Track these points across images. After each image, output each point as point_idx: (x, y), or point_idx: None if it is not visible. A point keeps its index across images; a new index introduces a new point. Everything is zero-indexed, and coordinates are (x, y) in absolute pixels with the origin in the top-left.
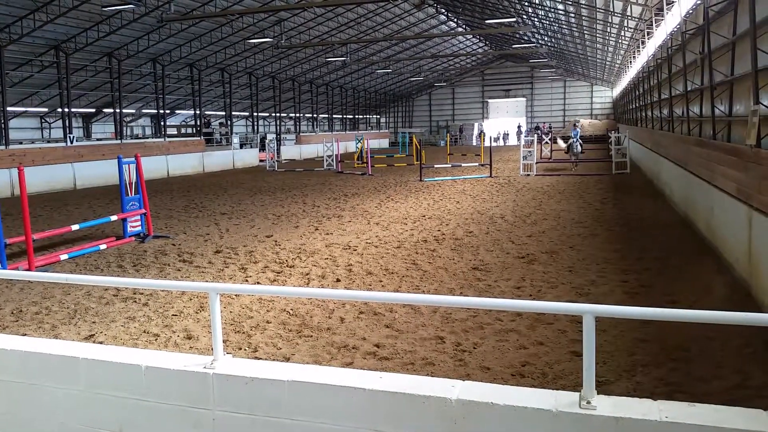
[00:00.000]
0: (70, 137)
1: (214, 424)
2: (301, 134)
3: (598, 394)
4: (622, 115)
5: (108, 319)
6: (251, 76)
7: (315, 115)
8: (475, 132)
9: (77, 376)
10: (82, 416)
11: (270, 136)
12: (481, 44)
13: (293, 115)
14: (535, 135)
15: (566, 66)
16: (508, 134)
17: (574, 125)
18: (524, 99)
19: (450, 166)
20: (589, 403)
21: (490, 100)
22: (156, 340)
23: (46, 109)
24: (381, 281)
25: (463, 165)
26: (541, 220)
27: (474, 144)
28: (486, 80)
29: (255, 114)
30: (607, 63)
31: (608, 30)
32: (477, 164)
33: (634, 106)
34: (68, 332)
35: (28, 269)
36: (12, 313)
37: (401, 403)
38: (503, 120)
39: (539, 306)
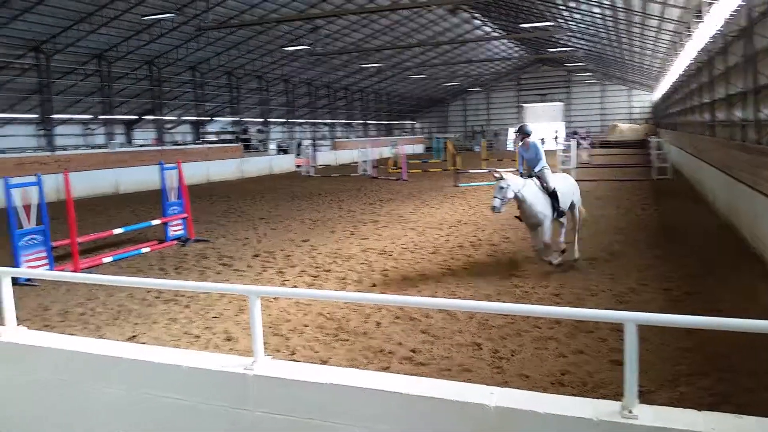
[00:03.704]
0: (112, 143)
1: (253, 424)
2: (336, 140)
3: (639, 403)
4: (662, 120)
5: (150, 321)
6: (287, 83)
7: (350, 121)
8: (511, 137)
9: (120, 375)
10: (125, 415)
11: (306, 142)
12: (516, 48)
13: (329, 121)
14: (573, 140)
15: (604, 70)
16: (544, 139)
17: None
18: (561, 103)
19: (486, 171)
20: (630, 412)
21: (525, 105)
22: (197, 341)
23: (89, 116)
24: (417, 286)
25: (498, 170)
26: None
27: (510, 149)
28: (521, 84)
29: (291, 120)
30: (646, 66)
31: (646, 33)
32: (514, 170)
33: (674, 110)
34: (112, 333)
35: (74, 271)
36: (58, 313)
37: (438, 408)
38: (539, 125)
39: (579, 313)
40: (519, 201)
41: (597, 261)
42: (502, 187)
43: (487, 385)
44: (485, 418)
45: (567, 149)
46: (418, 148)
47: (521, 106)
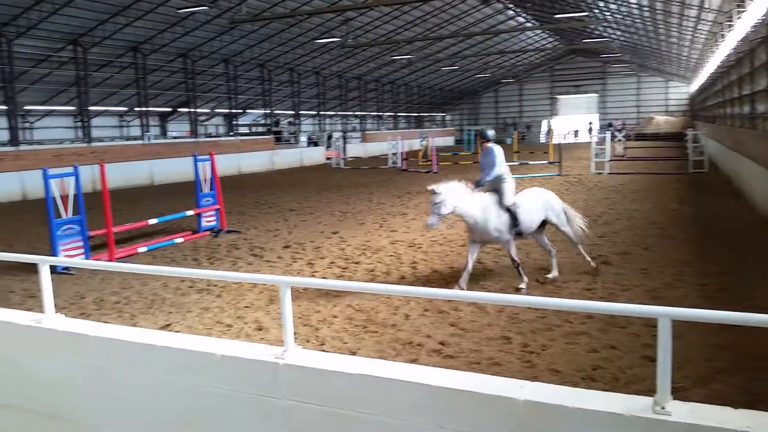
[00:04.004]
0: (147, 135)
1: (283, 412)
2: (366, 132)
3: (672, 400)
4: (700, 112)
5: (183, 310)
6: (318, 75)
7: (380, 113)
8: (544, 129)
9: (155, 362)
10: (159, 401)
11: (336, 135)
12: (550, 39)
13: (359, 113)
14: (608, 132)
15: (640, 61)
16: (578, 131)
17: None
18: (595, 95)
19: (517, 163)
20: (663, 408)
21: (559, 97)
22: (229, 330)
23: (125, 108)
24: (445, 279)
25: (530, 163)
26: (614, 220)
27: (542, 141)
28: (555, 76)
29: (322, 112)
30: (683, 58)
31: (685, 23)
32: (545, 162)
33: (712, 102)
34: (146, 321)
35: (109, 260)
36: (94, 301)
37: (468, 401)
38: (573, 117)
39: (611, 308)
40: (463, 217)
41: (631, 256)
42: (435, 202)
43: (517, 379)
44: (514, 412)
45: (601, 142)
46: (449, 141)
47: (555, 98)
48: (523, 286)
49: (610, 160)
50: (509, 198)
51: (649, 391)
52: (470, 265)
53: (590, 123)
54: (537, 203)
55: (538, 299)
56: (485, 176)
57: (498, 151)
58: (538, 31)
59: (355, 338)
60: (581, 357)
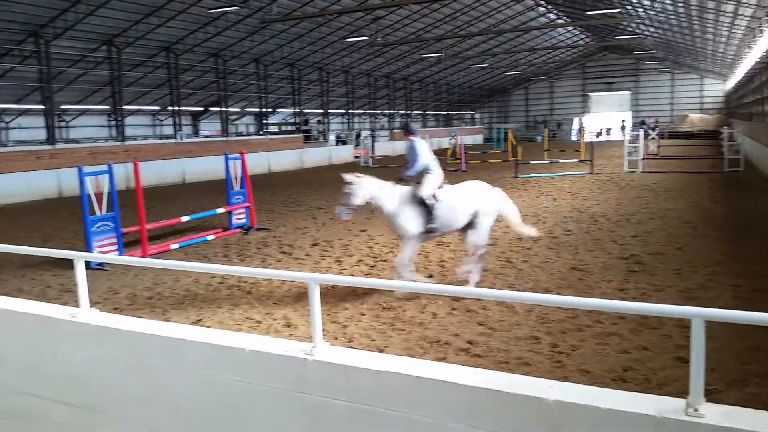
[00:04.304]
0: (179, 134)
1: (311, 408)
2: (394, 131)
3: (706, 402)
4: (736, 110)
5: (214, 305)
6: (347, 74)
7: (409, 112)
8: (575, 127)
9: (186, 356)
10: (189, 395)
11: (364, 133)
12: (581, 36)
13: (387, 111)
14: (641, 130)
15: (674, 58)
16: (610, 129)
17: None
18: (628, 92)
19: (548, 162)
20: (696, 410)
21: (591, 94)
22: (258, 326)
23: (158, 108)
24: None
25: (561, 161)
26: (647, 219)
27: (573, 139)
28: (587, 73)
29: (350, 111)
30: (719, 54)
31: (721, 19)
32: (577, 160)
33: (749, 99)
34: (178, 316)
35: (142, 256)
36: (127, 297)
37: (496, 400)
38: (605, 114)
39: (643, 308)
40: (380, 210)
41: (664, 255)
42: (347, 192)
43: (546, 379)
44: (544, 412)
45: (634, 140)
46: (478, 139)
47: (587, 95)
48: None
49: (643, 159)
50: (426, 190)
51: (682, 393)
52: (403, 257)
53: (623, 121)
54: (465, 200)
55: (568, 299)
56: (409, 170)
57: (420, 144)
58: (570, 28)
59: (382, 336)
60: (612, 358)
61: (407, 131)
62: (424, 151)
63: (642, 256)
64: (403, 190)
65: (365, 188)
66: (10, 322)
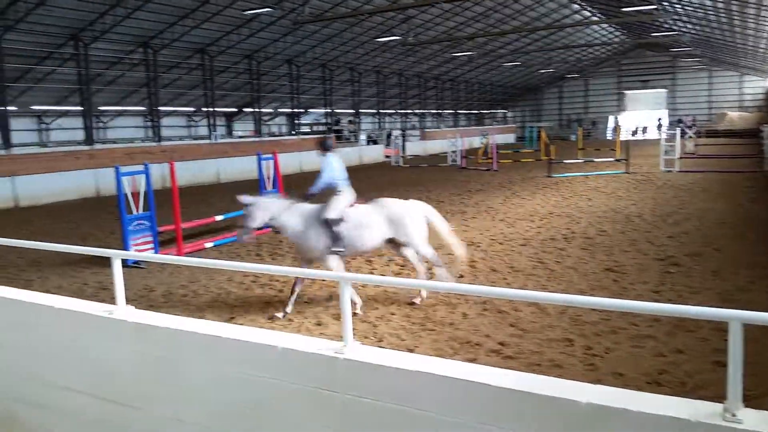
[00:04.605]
0: (214, 135)
1: (341, 406)
2: (425, 130)
3: (744, 407)
4: None
5: (247, 304)
6: (379, 74)
7: (440, 111)
8: (610, 125)
9: (220, 353)
10: (222, 391)
11: (395, 133)
12: (617, 33)
13: (418, 111)
14: (678, 129)
15: (712, 54)
16: (646, 128)
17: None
18: (664, 90)
19: (582, 161)
20: (734, 415)
21: (626, 92)
22: (289, 324)
23: (193, 109)
24: (505, 279)
25: (596, 160)
26: (684, 219)
27: (609, 138)
28: (622, 71)
29: (381, 111)
30: (760, 50)
31: (763, 14)
32: (612, 159)
33: None
34: (212, 314)
35: (177, 255)
36: (163, 294)
37: (527, 402)
38: (641, 113)
39: (680, 310)
40: (283, 231)
41: (701, 257)
42: (245, 214)
43: (579, 381)
44: (576, 415)
45: (671, 138)
46: (510, 138)
47: (622, 94)
48: (279, 315)
49: (680, 158)
50: (331, 211)
51: (719, 397)
52: (297, 287)
53: (659, 119)
54: (378, 219)
55: (602, 300)
56: (313, 187)
57: (331, 161)
58: (605, 25)
59: (412, 336)
60: (647, 361)
61: (322, 146)
62: (335, 168)
63: (678, 258)
64: (306, 209)
65: (263, 209)
66: (49, 318)
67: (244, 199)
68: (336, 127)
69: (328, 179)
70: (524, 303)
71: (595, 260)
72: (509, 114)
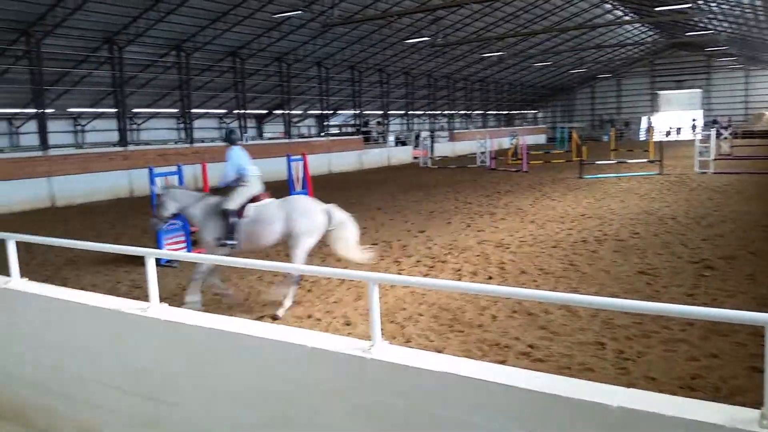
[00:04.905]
0: (245, 137)
1: (369, 405)
2: (454, 131)
3: None
4: None
5: (276, 302)
6: (407, 75)
7: (469, 112)
8: (643, 126)
9: (250, 351)
10: (252, 389)
11: (424, 134)
12: (650, 33)
13: (447, 112)
14: (713, 129)
15: (749, 53)
16: (680, 129)
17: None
18: (699, 90)
19: (614, 162)
20: None
21: (660, 92)
22: (318, 323)
23: (224, 111)
24: (535, 281)
25: (628, 161)
26: (719, 222)
27: (642, 139)
28: (656, 71)
29: (410, 112)
30: None
31: None
32: (645, 160)
33: None
34: (242, 312)
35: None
36: None
37: (557, 405)
38: (675, 113)
39: (714, 314)
40: (191, 221)
41: (736, 260)
42: (158, 204)
43: (610, 385)
44: (606, 418)
45: (705, 140)
46: (540, 139)
47: (655, 94)
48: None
49: (715, 159)
50: (230, 203)
51: (755, 403)
52: (201, 270)
53: (694, 120)
54: (277, 218)
55: (634, 303)
56: (220, 181)
57: (236, 154)
58: (637, 25)
59: (440, 337)
60: (680, 365)
61: (227, 140)
62: (241, 162)
63: (713, 261)
64: (212, 200)
65: (174, 199)
66: (84, 316)
67: (158, 188)
68: (364, 129)
69: (233, 172)
70: (555, 305)
71: (627, 263)
72: (540, 114)
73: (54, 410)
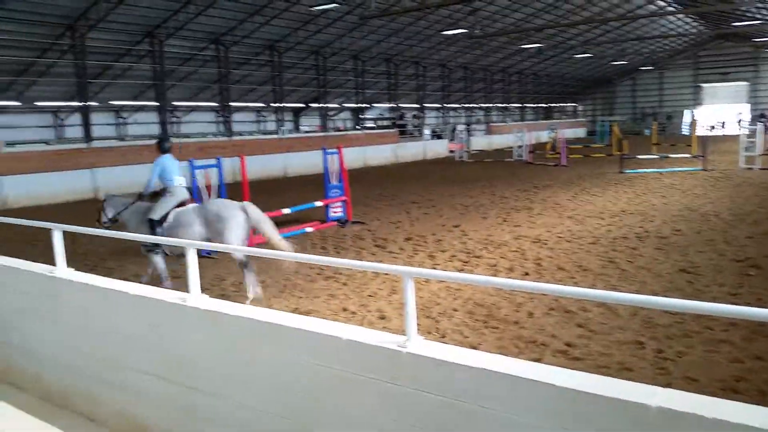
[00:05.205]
0: (281, 130)
1: (403, 399)
2: (491, 124)
3: None
4: None
5: (312, 295)
6: (444, 67)
7: (506, 105)
8: (686, 120)
9: (285, 342)
10: (287, 379)
11: (460, 127)
12: (694, 24)
13: (484, 105)
14: (759, 124)
15: None
16: (725, 123)
17: None
18: (745, 83)
19: (656, 157)
20: None
21: (704, 85)
22: (353, 317)
23: (262, 104)
24: (573, 278)
25: (671, 156)
26: (764, 219)
27: (685, 133)
28: (700, 63)
29: (446, 105)
30: None
31: None
32: (688, 155)
33: None
34: (278, 304)
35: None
36: (233, 284)
37: (593, 404)
38: (720, 107)
39: (759, 314)
40: (125, 227)
41: None
42: (99, 209)
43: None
44: (645, 419)
45: (751, 134)
46: (580, 132)
47: (699, 86)
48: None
49: (762, 155)
50: (154, 212)
51: None
52: (150, 270)
53: (739, 113)
54: (195, 220)
55: (675, 302)
56: (144, 189)
57: (157, 162)
58: (681, 16)
59: (475, 333)
60: (722, 367)
61: (157, 147)
62: (165, 171)
63: (758, 259)
64: (142, 207)
65: (112, 206)
66: (127, 305)
67: (104, 194)
68: (400, 122)
69: (154, 180)
70: (593, 303)
71: (669, 260)
72: (579, 108)
73: (95, 396)
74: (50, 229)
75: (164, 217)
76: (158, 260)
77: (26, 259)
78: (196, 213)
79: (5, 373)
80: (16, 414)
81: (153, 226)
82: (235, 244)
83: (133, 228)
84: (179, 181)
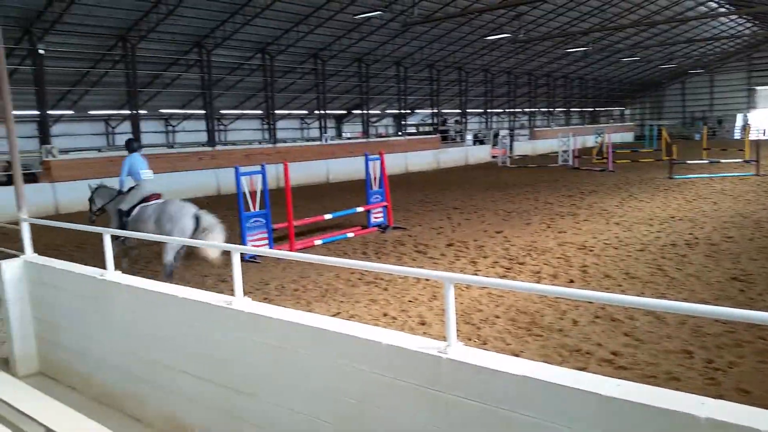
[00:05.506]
0: (324, 136)
1: (444, 405)
2: (535, 129)
3: None
4: None
5: (353, 300)
6: (487, 73)
7: (551, 109)
8: (738, 124)
9: (327, 346)
10: (329, 383)
11: (502, 132)
12: (747, 25)
13: (528, 110)
14: None
15: None
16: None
17: None
18: None
19: (707, 162)
20: None
21: (758, 88)
22: (393, 322)
23: (305, 112)
24: (620, 285)
25: (722, 161)
26: None
27: (736, 138)
28: (753, 65)
29: (489, 110)
30: None
31: None
32: (740, 160)
33: None
34: (320, 308)
35: (290, 251)
36: (276, 288)
37: (639, 414)
38: None
39: None
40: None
41: None
42: (90, 200)
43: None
44: (694, 430)
45: None
46: (627, 137)
47: (752, 90)
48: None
49: None
50: (122, 203)
51: None
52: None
53: None
54: (151, 216)
55: (726, 310)
56: (119, 185)
57: (126, 161)
58: (734, 17)
59: (518, 340)
60: None
61: (126, 147)
62: (133, 168)
63: None
64: (120, 200)
65: (100, 197)
66: (173, 307)
67: (91, 184)
68: (442, 128)
69: (125, 178)
70: (640, 311)
71: (720, 268)
72: (627, 112)
73: (141, 396)
74: (101, 233)
75: (130, 210)
76: (113, 246)
77: (76, 263)
78: (153, 210)
79: (59, 374)
80: (69, 413)
81: (121, 217)
82: (176, 247)
83: (110, 219)
84: (146, 175)
